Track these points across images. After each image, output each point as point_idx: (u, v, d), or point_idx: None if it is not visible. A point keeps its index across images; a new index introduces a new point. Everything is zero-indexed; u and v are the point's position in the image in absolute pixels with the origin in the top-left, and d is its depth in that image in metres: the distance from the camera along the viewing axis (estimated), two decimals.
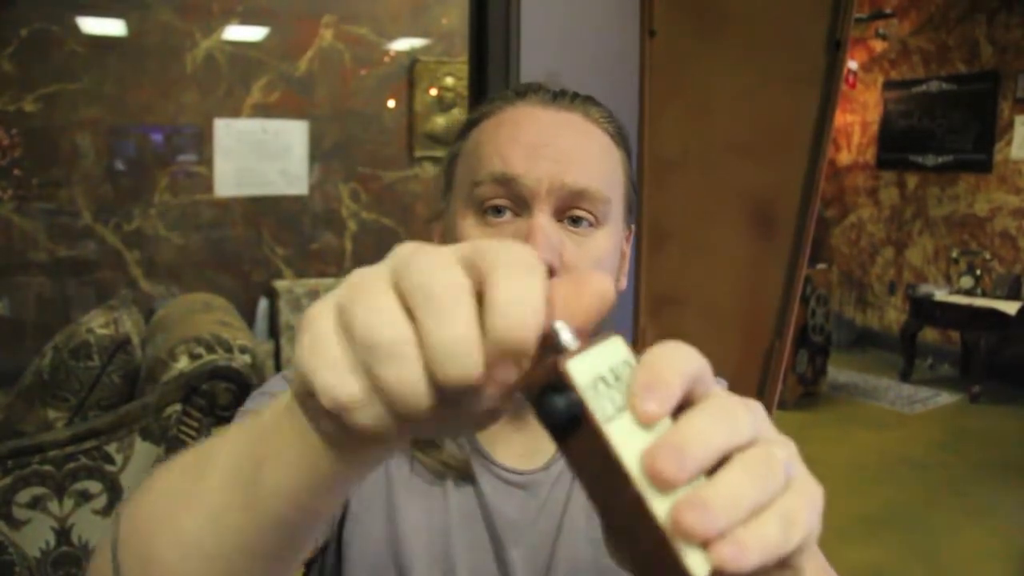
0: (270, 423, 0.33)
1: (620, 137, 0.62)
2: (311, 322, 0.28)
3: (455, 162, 0.62)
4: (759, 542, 0.25)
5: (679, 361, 0.26)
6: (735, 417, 0.26)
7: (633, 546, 0.25)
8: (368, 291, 0.27)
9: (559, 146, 0.56)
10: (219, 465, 0.34)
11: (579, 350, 0.26)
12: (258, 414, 0.35)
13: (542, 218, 0.55)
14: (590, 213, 0.56)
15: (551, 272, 0.53)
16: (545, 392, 0.25)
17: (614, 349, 0.27)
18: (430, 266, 0.26)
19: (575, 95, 0.61)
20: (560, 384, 0.25)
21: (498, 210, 0.56)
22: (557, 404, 0.25)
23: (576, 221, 0.56)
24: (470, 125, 0.62)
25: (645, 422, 0.25)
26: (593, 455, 0.25)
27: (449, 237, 0.59)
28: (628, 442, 0.25)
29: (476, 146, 0.59)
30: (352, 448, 0.30)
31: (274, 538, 0.33)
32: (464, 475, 0.60)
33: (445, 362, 0.25)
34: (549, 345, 0.27)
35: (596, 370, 0.26)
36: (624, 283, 0.64)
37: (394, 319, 0.26)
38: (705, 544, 0.24)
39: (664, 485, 0.24)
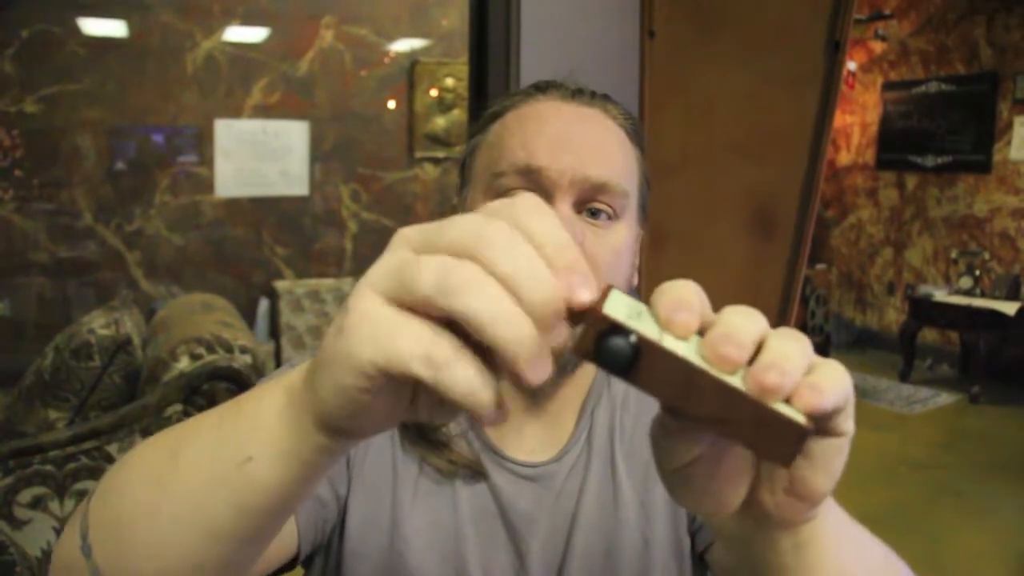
0: (257, 423, 0.33)
1: (636, 135, 0.63)
2: (360, 313, 0.28)
3: (474, 155, 0.63)
4: (828, 383, 0.29)
5: (687, 285, 0.31)
6: (754, 314, 0.31)
7: (735, 427, 0.29)
8: (417, 260, 0.28)
9: (581, 140, 0.57)
10: (198, 460, 0.35)
11: (598, 304, 0.29)
12: (234, 411, 0.35)
13: (564, 209, 0.56)
14: (609, 206, 0.58)
15: None
16: (600, 341, 0.28)
17: (619, 297, 0.31)
18: (466, 222, 0.28)
19: (593, 93, 0.62)
20: (610, 328, 0.28)
21: None
22: (617, 344, 0.28)
23: (595, 214, 0.57)
24: (491, 118, 0.62)
25: (683, 333, 0.29)
26: (667, 372, 0.28)
27: None
28: (684, 351, 0.29)
29: (498, 138, 0.60)
30: (355, 435, 0.32)
31: (257, 524, 0.34)
32: (475, 472, 0.60)
33: (527, 287, 0.26)
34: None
35: (624, 311, 0.29)
36: (636, 279, 0.65)
37: (455, 264, 0.27)
38: (787, 400, 0.28)
39: (730, 366, 0.28)
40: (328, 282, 4.21)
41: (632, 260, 0.62)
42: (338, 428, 0.31)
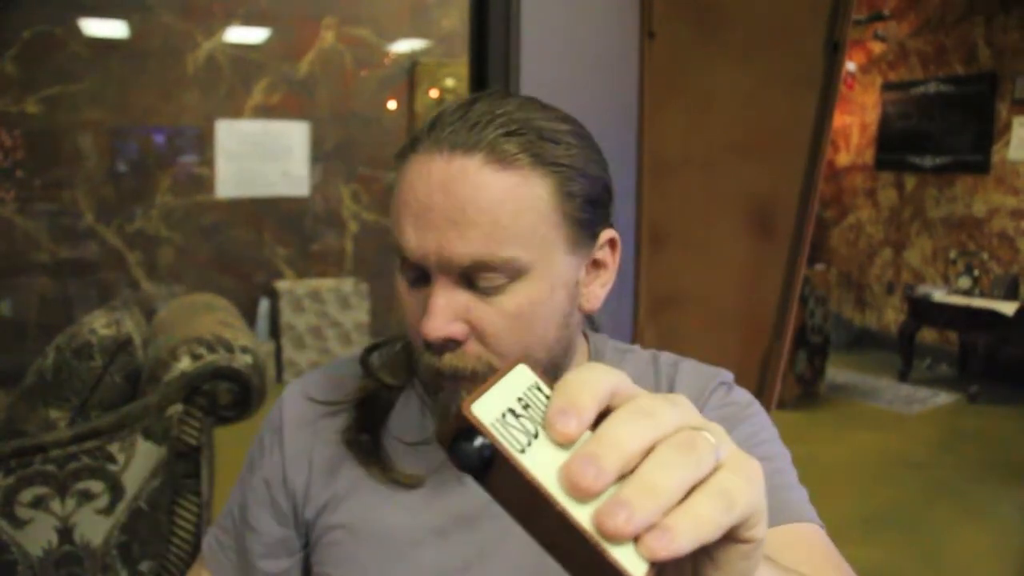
0: None
1: (546, 160, 0.53)
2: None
3: None
4: (690, 523, 0.25)
5: (591, 382, 0.27)
6: (653, 413, 0.27)
7: (574, 565, 0.26)
8: None
9: (445, 212, 0.51)
10: None
11: (484, 388, 0.27)
12: None
13: (439, 293, 0.52)
14: (494, 276, 0.52)
15: (456, 343, 0.52)
16: (456, 440, 0.26)
17: (520, 377, 0.28)
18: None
19: (488, 123, 0.52)
20: (469, 429, 0.26)
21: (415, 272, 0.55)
22: (468, 449, 0.26)
23: (480, 289, 0.53)
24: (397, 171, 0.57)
25: (564, 443, 0.26)
26: (514, 488, 0.26)
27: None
28: (547, 465, 0.26)
29: (392, 205, 0.56)
30: None
31: None
32: (415, 487, 0.60)
33: None
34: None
35: (504, 404, 0.27)
36: (596, 303, 0.59)
37: None
38: (636, 540, 0.25)
39: (584, 495, 0.25)
40: (329, 282, 4.21)
41: (562, 301, 0.55)
42: None
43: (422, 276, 0.54)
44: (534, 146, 0.53)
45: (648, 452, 0.26)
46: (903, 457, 3.32)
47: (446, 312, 0.52)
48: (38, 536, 1.41)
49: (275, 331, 4.11)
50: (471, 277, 0.52)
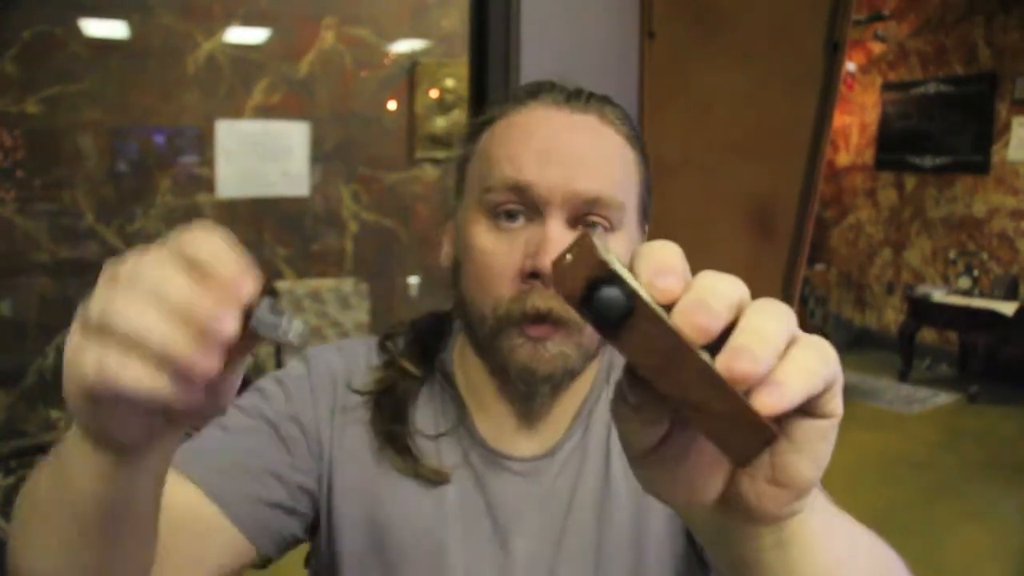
0: (61, 454, 0.38)
1: (635, 138, 0.61)
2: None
3: (467, 163, 0.61)
4: (797, 373, 0.27)
5: (670, 247, 0.29)
6: (732, 278, 0.28)
7: (701, 414, 0.26)
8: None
9: (572, 151, 0.55)
10: (41, 498, 0.40)
11: (596, 248, 0.26)
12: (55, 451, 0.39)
13: (556, 226, 0.54)
14: (604, 218, 0.56)
15: None
16: (593, 287, 0.25)
17: (600, 245, 0.27)
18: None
19: (590, 95, 0.59)
20: (606, 276, 0.25)
21: (511, 214, 0.55)
22: (612, 295, 0.25)
23: (590, 227, 0.56)
24: (482, 126, 0.61)
25: (666, 299, 0.26)
26: (653, 339, 0.25)
27: (461, 239, 0.59)
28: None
29: (488, 149, 0.58)
30: (127, 449, 0.35)
31: (98, 549, 0.39)
32: (439, 481, 0.60)
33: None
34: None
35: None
36: None
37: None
38: (748, 392, 0.25)
39: (704, 337, 0.25)
40: (328, 282, 4.21)
41: None
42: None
43: (518, 213, 0.56)
44: (627, 120, 0.61)
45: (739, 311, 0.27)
46: (903, 457, 3.32)
47: (562, 245, 0.52)
48: None
49: None
50: (582, 218, 0.55)
